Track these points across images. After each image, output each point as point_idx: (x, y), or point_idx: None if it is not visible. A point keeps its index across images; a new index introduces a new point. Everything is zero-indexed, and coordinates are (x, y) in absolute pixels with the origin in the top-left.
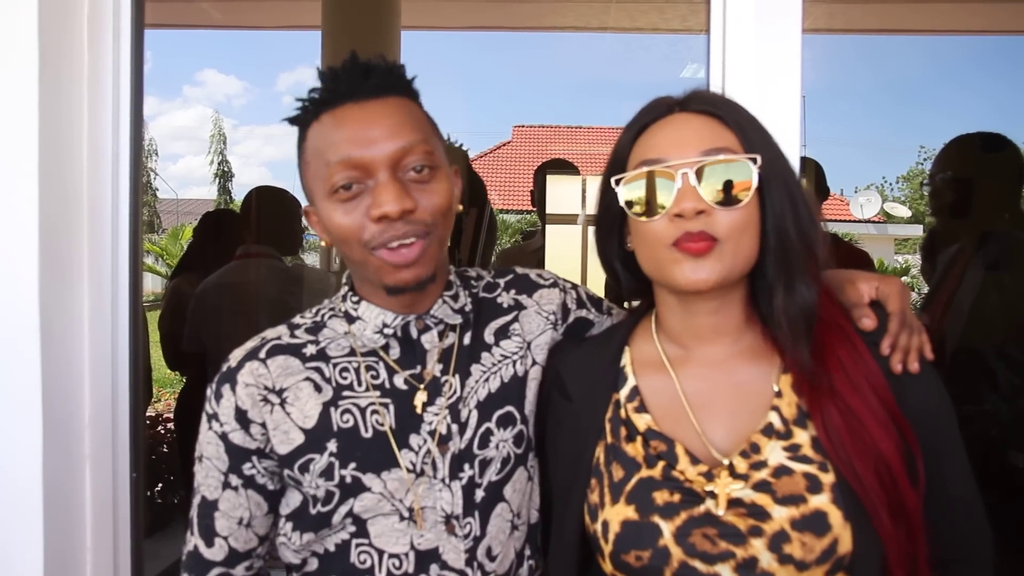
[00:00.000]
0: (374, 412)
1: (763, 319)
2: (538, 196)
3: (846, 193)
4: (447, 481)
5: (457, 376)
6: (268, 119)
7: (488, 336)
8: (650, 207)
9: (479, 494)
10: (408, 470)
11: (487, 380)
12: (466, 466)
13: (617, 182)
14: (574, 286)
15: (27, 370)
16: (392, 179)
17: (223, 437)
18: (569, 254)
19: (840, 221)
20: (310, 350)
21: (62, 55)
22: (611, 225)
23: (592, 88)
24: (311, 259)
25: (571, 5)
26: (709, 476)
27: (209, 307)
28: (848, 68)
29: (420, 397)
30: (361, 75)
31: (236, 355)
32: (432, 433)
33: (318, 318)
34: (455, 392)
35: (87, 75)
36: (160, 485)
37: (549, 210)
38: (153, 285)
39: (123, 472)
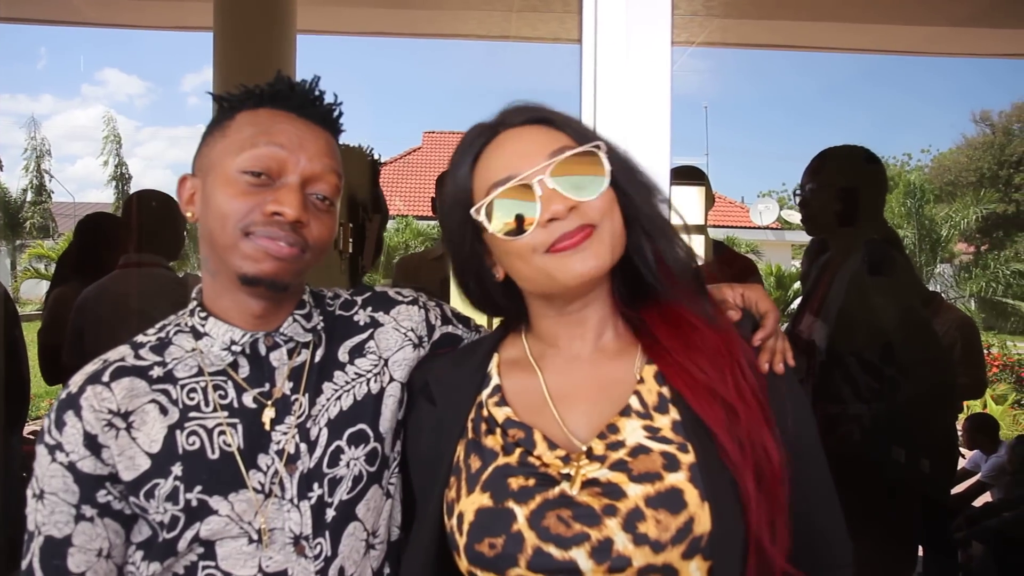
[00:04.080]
0: (221, 433)
1: (625, 315)
2: (440, 204)
3: (747, 200)
4: (295, 501)
5: (307, 395)
6: (173, 121)
7: (342, 355)
8: (519, 224)
9: (330, 513)
10: (256, 491)
11: (339, 398)
12: (315, 485)
13: (477, 211)
14: (438, 303)
15: None
16: (300, 189)
17: (70, 467)
18: None
19: (740, 228)
20: (156, 372)
21: None
22: (473, 263)
23: (501, 95)
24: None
25: (472, 13)
26: (567, 460)
27: (90, 318)
28: (749, 79)
29: (268, 414)
30: (314, 99)
31: (76, 380)
32: (280, 453)
33: (163, 335)
34: (304, 411)
35: None
36: None
37: None
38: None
39: None
